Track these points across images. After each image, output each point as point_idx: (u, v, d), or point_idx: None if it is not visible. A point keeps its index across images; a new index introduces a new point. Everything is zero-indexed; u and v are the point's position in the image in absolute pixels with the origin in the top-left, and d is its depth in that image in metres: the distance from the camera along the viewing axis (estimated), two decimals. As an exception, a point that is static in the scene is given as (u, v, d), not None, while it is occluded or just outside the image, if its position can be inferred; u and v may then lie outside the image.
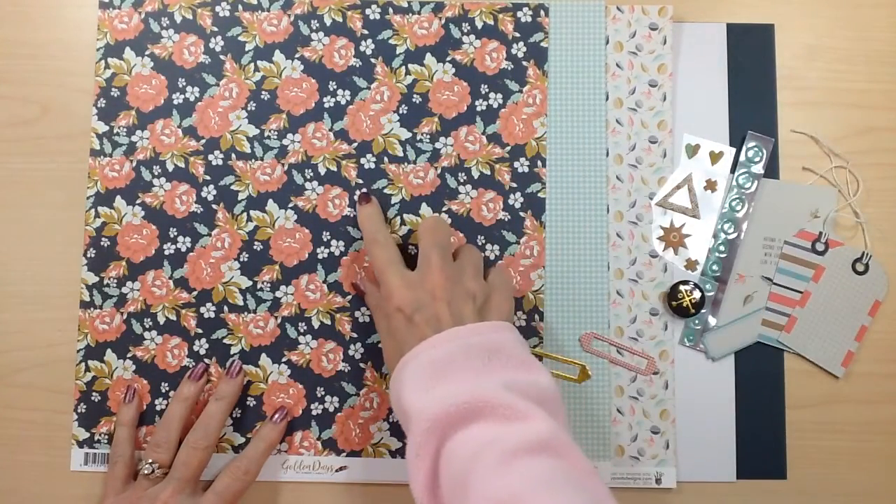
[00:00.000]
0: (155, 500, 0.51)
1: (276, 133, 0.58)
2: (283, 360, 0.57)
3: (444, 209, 0.58)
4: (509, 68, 0.59)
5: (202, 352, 0.57)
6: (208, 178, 0.58)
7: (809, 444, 0.57)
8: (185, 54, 0.59)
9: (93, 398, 0.57)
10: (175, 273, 0.57)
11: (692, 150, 0.59)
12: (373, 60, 0.59)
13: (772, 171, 0.59)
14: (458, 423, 0.43)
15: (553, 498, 0.38)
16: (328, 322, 0.57)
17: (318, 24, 0.59)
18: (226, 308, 0.57)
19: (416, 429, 0.43)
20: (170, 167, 0.58)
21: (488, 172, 0.58)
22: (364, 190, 0.57)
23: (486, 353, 0.45)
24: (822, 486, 0.57)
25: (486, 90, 0.58)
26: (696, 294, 0.57)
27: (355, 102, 0.58)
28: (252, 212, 0.58)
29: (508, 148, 0.58)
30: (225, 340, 0.57)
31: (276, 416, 0.56)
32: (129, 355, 0.57)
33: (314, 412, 0.57)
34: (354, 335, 0.57)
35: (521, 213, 0.58)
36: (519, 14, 0.59)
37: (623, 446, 0.56)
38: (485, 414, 0.42)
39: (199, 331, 0.57)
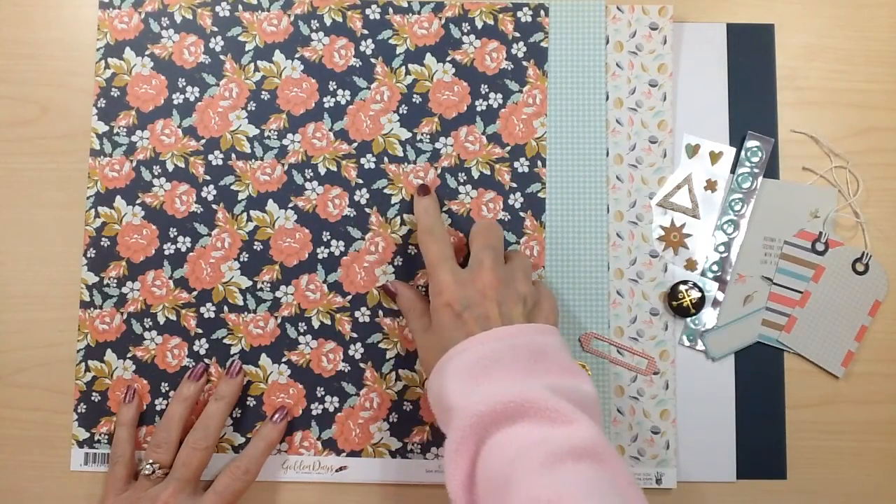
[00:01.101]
0: (155, 501, 0.51)
1: (276, 133, 0.58)
2: (283, 360, 0.57)
3: (445, 209, 0.58)
4: (509, 68, 0.59)
5: (202, 352, 0.57)
6: (208, 178, 0.58)
7: (809, 444, 0.57)
8: (185, 54, 0.59)
9: (93, 398, 0.57)
10: (175, 273, 0.57)
11: (692, 150, 0.59)
12: (373, 60, 0.59)
13: (772, 171, 0.59)
14: (501, 422, 0.43)
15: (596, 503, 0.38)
16: (328, 322, 0.57)
17: (318, 24, 0.59)
18: (226, 308, 0.57)
19: (458, 423, 0.43)
20: (170, 167, 0.58)
21: (488, 172, 0.58)
22: (426, 181, 0.57)
23: (533, 354, 0.45)
24: (822, 486, 0.57)
25: (486, 90, 0.58)
26: (696, 294, 0.57)
27: (355, 102, 0.58)
28: (252, 212, 0.58)
29: (508, 148, 0.58)
30: (225, 340, 0.57)
31: (276, 415, 0.56)
32: (129, 355, 0.57)
33: (314, 412, 0.57)
34: (354, 335, 0.57)
35: (521, 213, 0.58)
36: (519, 14, 0.59)
37: (623, 446, 0.56)
38: (530, 415, 0.42)
39: (199, 331, 0.57)
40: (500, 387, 0.44)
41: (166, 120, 0.58)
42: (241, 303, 0.57)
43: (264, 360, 0.57)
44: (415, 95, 0.58)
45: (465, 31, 0.59)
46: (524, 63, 0.59)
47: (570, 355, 0.48)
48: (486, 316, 0.48)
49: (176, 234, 0.57)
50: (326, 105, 0.58)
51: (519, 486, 0.39)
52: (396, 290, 0.56)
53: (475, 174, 0.58)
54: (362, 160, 0.58)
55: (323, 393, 0.57)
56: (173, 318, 0.57)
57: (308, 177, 0.58)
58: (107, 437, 0.56)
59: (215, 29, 0.59)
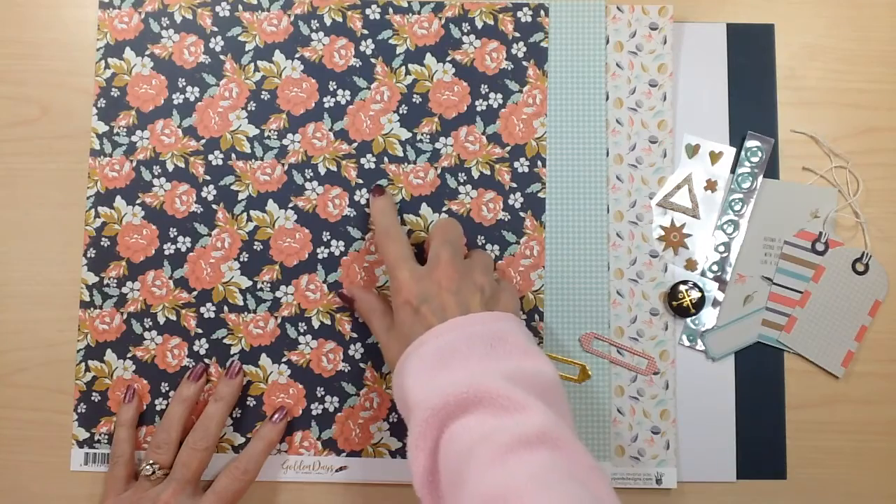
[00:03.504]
0: (156, 501, 0.51)
1: (276, 133, 0.58)
2: (283, 360, 0.57)
3: (444, 209, 0.58)
4: (509, 68, 0.59)
5: (202, 352, 0.57)
6: (208, 178, 0.58)
7: (809, 444, 0.57)
8: (185, 54, 0.59)
9: (93, 398, 0.57)
10: (175, 273, 0.57)
11: (692, 150, 0.59)
12: (373, 60, 0.59)
13: (772, 171, 0.59)
14: (455, 413, 0.42)
15: (548, 493, 0.37)
16: (328, 322, 0.57)
17: (318, 24, 0.59)
18: (226, 308, 0.57)
19: (415, 419, 0.43)
20: (170, 167, 0.58)
21: (488, 172, 0.58)
22: (379, 183, 0.57)
23: (490, 341, 0.45)
24: (822, 486, 0.57)
25: (486, 90, 0.58)
26: (696, 294, 0.57)
27: (355, 102, 0.58)
28: (252, 212, 0.58)
29: (508, 148, 0.58)
30: (225, 340, 0.57)
31: (276, 415, 0.56)
32: (129, 355, 0.57)
33: (314, 412, 0.57)
34: (354, 335, 0.57)
35: (521, 213, 0.58)
36: (519, 14, 0.59)
37: (623, 446, 0.56)
38: (484, 404, 0.42)
39: (199, 331, 0.57)
40: (454, 378, 0.43)
41: (166, 120, 0.58)
42: (241, 303, 0.57)
43: (264, 360, 0.57)
44: (415, 95, 0.58)
45: (465, 31, 0.59)
46: (524, 63, 0.59)
47: (531, 339, 0.47)
48: (444, 307, 0.47)
49: (176, 234, 0.57)
50: (326, 105, 0.58)
51: (471, 482, 0.39)
52: (353, 294, 0.55)
53: (475, 174, 0.58)
54: (362, 160, 0.58)
55: (323, 393, 0.57)
56: (173, 318, 0.57)
57: (308, 177, 0.58)
58: (107, 437, 0.56)
59: (215, 29, 0.59)
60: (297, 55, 0.59)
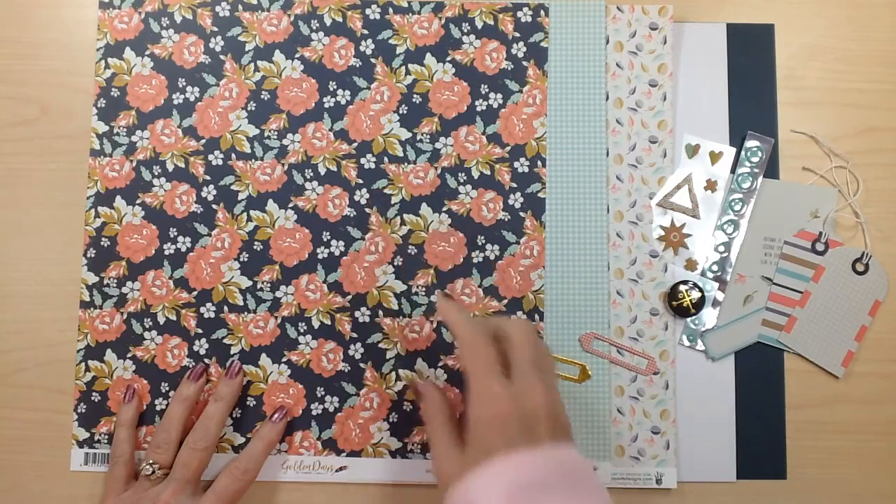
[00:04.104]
0: (156, 501, 0.51)
1: (276, 133, 0.58)
2: (283, 360, 0.57)
3: (444, 209, 0.58)
4: (509, 68, 0.59)
5: (202, 352, 0.57)
6: (208, 178, 0.58)
7: (809, 444, 0.57)
8: (185, 54, 0.59)
9: (93, 398, 0.57)
10: (175, 273, 0.57)
11: (692, 150, 0.59)
12: (373, 60, 0.59)
13: (772, 171, 0.59)
14: None
15: None
16: (328, 322, 0.57)
17: (318, 24, 0.59)
18: (226, 308, 0.57)
19: None
20: (170, 167, 0.58)
21: (488, 172, 0.58)
22: (445, 291, 0.57)
23: (574, 479, 0.44)
24: (822, 486, 0.57)
25: (486, 90, 0.58)
26: (696, 294, 0.57)
27: (355, 102, 0.58)
28: (252, 212, 0.58)
29: (508, 148, 0.58)
30: (225, 340, 0.57)
31: (276, 415, 0.56)
32: (129, 355, 0.57)
33: (314, 412, 0.57)
34: (354, 335, 0.57)
35: (521, 213, 0.58)
36: (519, 14, 0.59)
37: (623, 446, 0.56)
38: None
39: (199, 331, 0.57)
40: None
41: (166, 120, 0.58)
42: (241, 303, 0.57)
43: (264, 360, 0.57)
44: (415, 95, 0.58)
45: (465, 31, 0.59)
46: (524, 63, 0.59)
47: (594, 474, 0.46)
48: (536, 434, 0.45)
49: (176, 234, 0.57)
50: (326, 105, 0.58)
51: None
52: (425, 392, 0.52)
53: (475, 174, 0.58)
54: (362, 160, 0.58)
55: (323, 393, 0.57)
56: (173, 318, 0.57)
57: (308, 177, 0.58)
58: (107, 437, 0.56)
59: (215, 29, 0.59)
60: (297, 55, 0.59)
